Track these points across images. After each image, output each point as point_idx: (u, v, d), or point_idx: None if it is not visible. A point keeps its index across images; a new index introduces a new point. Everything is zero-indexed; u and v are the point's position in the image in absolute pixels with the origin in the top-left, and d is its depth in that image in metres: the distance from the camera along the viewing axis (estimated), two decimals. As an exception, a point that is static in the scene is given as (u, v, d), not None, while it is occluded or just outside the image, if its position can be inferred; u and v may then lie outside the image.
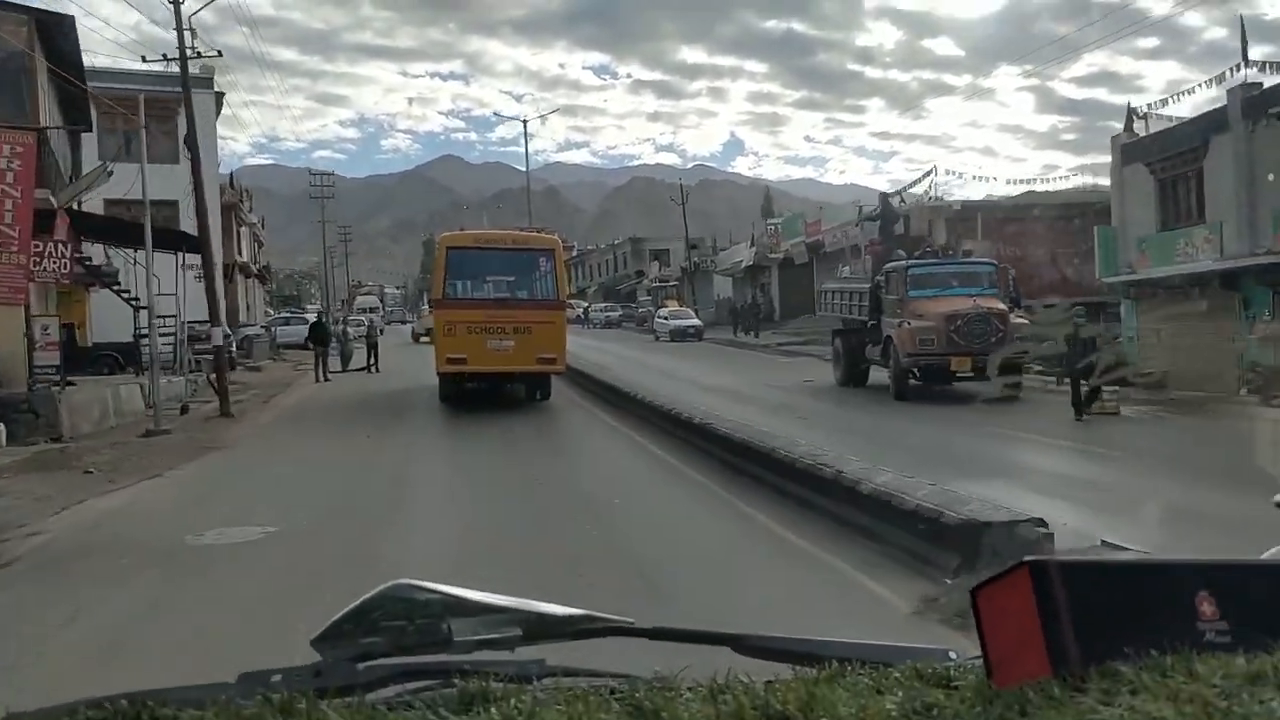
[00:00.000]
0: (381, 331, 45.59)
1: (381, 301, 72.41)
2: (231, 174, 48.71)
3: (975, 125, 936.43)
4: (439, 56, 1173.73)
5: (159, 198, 38.43)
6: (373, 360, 29.12)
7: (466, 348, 16.23)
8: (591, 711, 0.92)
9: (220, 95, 38.29)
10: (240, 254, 48.34)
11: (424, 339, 46.57)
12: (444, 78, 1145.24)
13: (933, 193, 32.97)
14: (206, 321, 33.09)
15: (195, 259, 39.33)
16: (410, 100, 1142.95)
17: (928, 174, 33.88)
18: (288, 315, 44.62)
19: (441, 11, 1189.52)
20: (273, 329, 37.89)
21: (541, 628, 1.12)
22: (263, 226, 74.20)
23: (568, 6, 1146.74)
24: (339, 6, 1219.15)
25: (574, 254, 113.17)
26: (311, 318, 47.42)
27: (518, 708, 0.93)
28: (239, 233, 49.10)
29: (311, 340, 27.00)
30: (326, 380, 25.92)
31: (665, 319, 45.69)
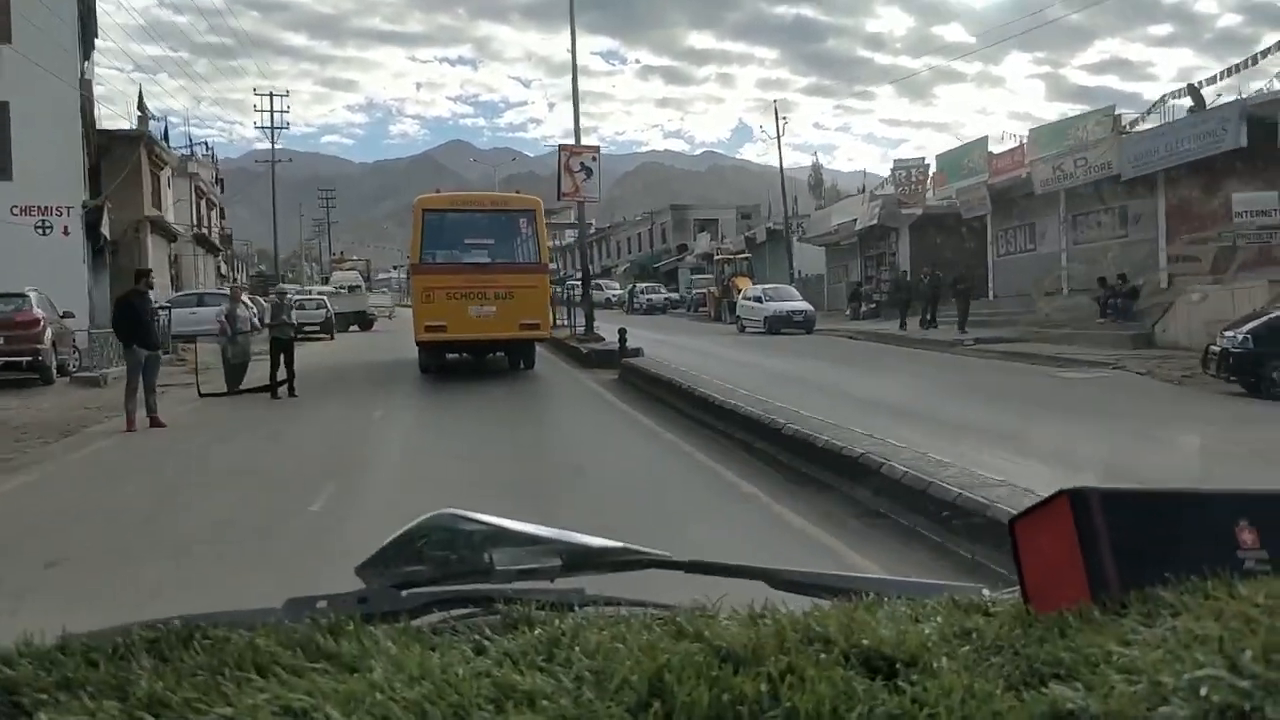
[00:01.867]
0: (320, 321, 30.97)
1: (366, 279, 57.85)
2: (142, 97, 33.98)
3: (985, 113, 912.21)
4: (447, 41, 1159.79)
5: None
6: (283, 374, 14.56)
7: (446, 314, 15.15)
8: (633, 633, 0.92)
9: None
10: (157, 208, 33.86)
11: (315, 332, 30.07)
12: (452, 63, 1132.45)
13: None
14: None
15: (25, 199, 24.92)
16: (418, 85, 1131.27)
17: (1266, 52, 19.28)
18: (200, 293, 30.02)
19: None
20: (164, 314, 23.50)
21: (581, 559, 1.12)
22: (220, 189, 59.84)
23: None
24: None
25: (593, 230, 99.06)
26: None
27: (561, 630, 0.93)
28: (158, 180, 34.66)
29: (118, 334, 12.43)
30: (153, 423, 11.51)
31: (757, 302, 31.30)
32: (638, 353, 17.78)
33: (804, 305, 30.44)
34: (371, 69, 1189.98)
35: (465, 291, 15.15)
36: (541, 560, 1.11)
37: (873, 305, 33.73)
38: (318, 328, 31.73)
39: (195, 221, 43.03)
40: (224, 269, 61.58)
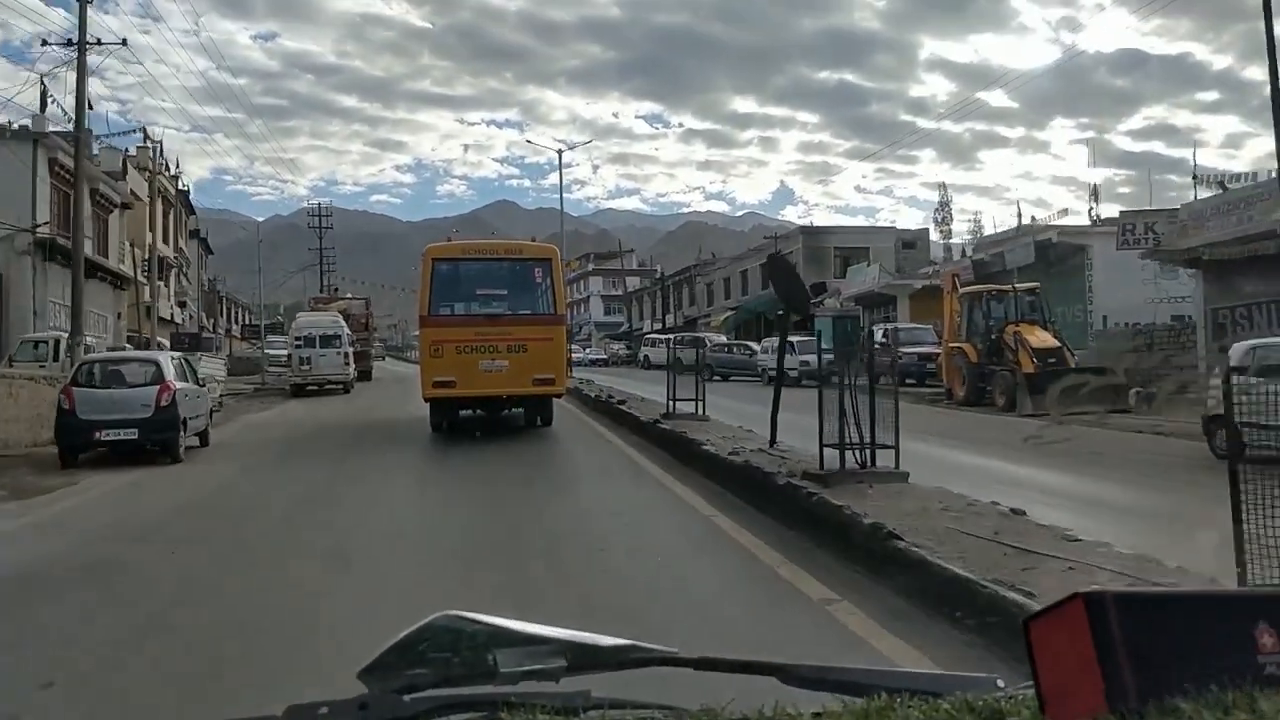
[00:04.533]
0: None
1: (368, 327, 38.65)
2: None
3: (1029, 177, 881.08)
4: (495, 105, 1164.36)
5: None
6: None
7: (455, 370, 13.98)
8: None
9: None
10: None
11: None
12: (500, 125, 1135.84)
13: None
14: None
15: None
16: (466, 147, 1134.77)
17: None
18: None
19: (499, 62, 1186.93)
20: None
21: (586, 658, 1.08)
22: (186, 212, 41.07)
23: (622, 58, 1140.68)
24: (399, 55, 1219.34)
25: (658, 277, 79.19)
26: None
27: None
28: None
29: None
30: None
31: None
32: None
33: None
34: (420, 130, 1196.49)
35: (476, 345, 13.93)
36: (546, 661, 1.04)
37: None
38: (134, 432, 12.06)
39: (57, 222, 23.87)
40: (174, 312, 42.54)
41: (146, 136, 37.60)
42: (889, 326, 28.65)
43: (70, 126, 29.88)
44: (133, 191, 30.04)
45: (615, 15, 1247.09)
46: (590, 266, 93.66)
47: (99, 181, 27.32)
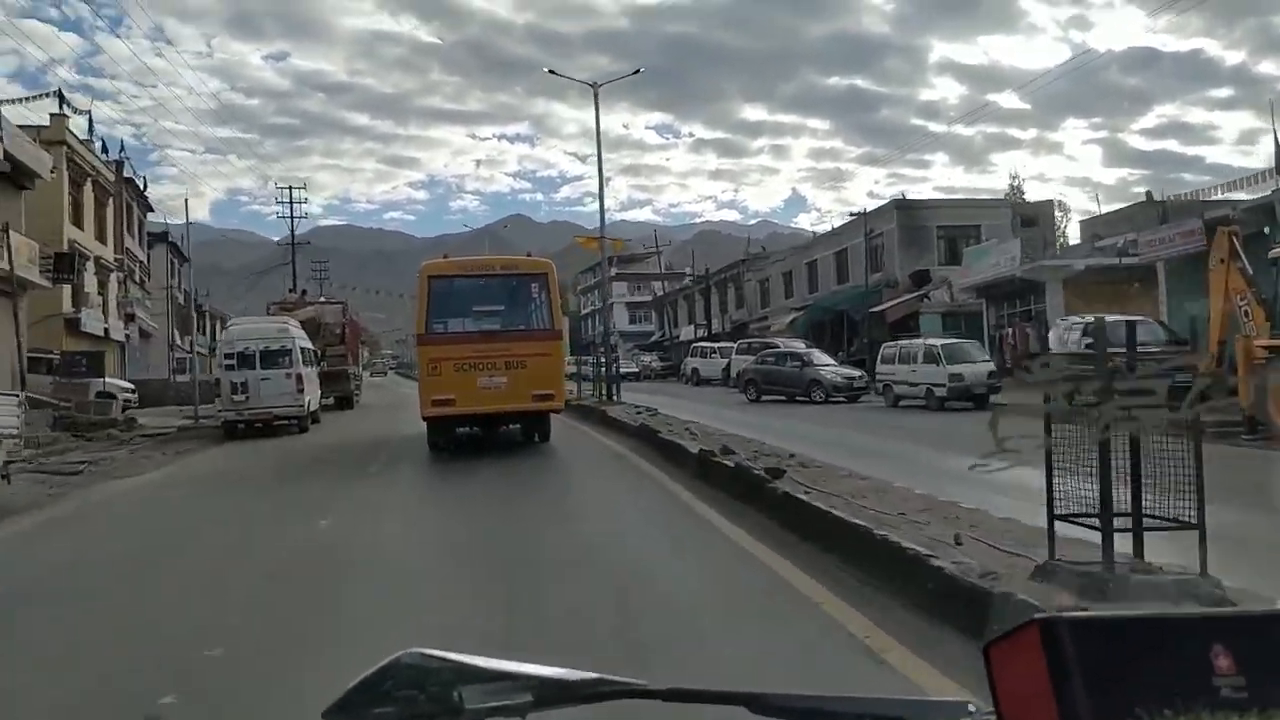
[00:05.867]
0: None
1: (343, 338, 29.83)
2: None
3: (1042, 179, 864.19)
4: (506, 119, 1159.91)
5: None
6: None
7: (454, 387, 13.64)
8: None
9: None
10: None
11: None
12: (511, 140, 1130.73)
13: None
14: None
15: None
16: (478, 162, 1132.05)
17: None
18: None
19: (509, 76, 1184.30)
20: None
21: (554, 693, 1.04)
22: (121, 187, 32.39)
23: (631, 69, 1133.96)
24: (410, 71, 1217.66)
25: (699, 276, 70.06)
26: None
27: None
28: None
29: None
30: None
31: None
32: None
33: None
34: (433, 147, 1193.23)
35: (474, 362, 13.65)
36: (513, 697, 1.02)
37: None
38: None
39: None
40: (110, 327, 33.78)
41: (63, 101, 29.02)
42: (1076, 320, 19.62)
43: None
44: (6, 156, 21.28)
45: (623, 26, 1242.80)
46: (613, 271, 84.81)
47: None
